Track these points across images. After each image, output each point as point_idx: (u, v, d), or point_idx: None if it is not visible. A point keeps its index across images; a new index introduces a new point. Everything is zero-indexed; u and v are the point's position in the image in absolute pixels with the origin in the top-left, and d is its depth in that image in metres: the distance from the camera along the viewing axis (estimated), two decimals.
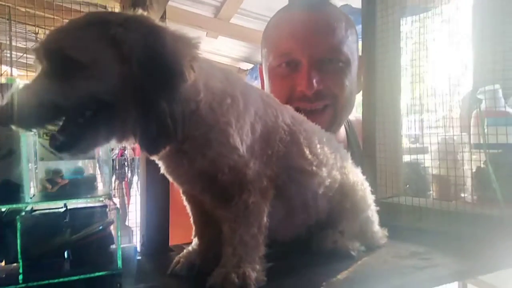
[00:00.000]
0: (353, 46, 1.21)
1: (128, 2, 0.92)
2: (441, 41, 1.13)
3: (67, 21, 0.63)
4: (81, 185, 0.84)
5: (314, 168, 0.75)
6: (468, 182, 1.05)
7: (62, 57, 0.57)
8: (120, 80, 0.58)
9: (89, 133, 0.60)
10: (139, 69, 0.57)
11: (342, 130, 1.36)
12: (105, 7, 1.06)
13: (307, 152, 0.75)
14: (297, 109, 1.03)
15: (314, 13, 1.17)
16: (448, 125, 1.15)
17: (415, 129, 1.17)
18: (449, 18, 1.06)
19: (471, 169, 1.04)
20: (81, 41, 0.58)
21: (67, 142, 0.59)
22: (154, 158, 0.71)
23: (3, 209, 0.75)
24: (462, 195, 1.10)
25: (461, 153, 1.09)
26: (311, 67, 1.13)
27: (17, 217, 0.69)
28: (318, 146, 0.78)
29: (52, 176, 0.82)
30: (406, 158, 1.20)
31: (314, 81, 1.12)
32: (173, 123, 0.60)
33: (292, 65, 1.16)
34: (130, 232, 2.09)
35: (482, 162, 1.01)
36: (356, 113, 1.50)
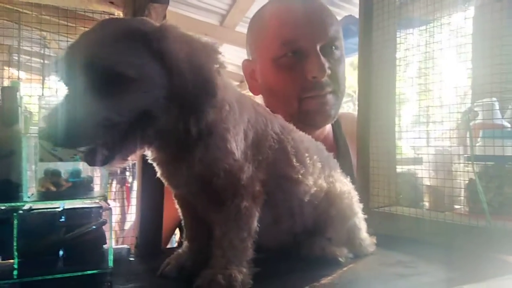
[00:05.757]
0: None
1: (129, 10, 0.96)
2: (448, 52, 1.13)
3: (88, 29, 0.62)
4: (78, 186, 0.86)
5: (300, 176, 0.77)
6: (462, 193, 1.06)
7: (112, 73, 0.57)
8: (164, 91, 0.61)
9: (128, 144, 0.62)
10: (184, 79, 0.60)
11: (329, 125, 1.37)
12: (111, 14, 1.09)
13: (294, 160, 0.77)
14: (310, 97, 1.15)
15: (310, 2, 1.24)
16: (449, 137, 1.16)
17: (414, 141, 1.17)
18: (455, 28, 1.07)
19: (463, 181, 1.05)
20: (127, 55, 0.58)
21: (110, 155, 0.61)
22: (153, 162, 0.74)
23: (1, 207, 0.78)
24: (457, 206, 1.12)
25: (455, 165, 1.11)
26: (320, 52, 1.17)
27: (14, 214, 0.72)
28: (306, 155, 0.80)
29: (51, 177, 0.85)
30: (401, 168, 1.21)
31: (326, 66, 1.16)
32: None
33: (298, 54, 1.18)
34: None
35: (474, 174, 1.02)
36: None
